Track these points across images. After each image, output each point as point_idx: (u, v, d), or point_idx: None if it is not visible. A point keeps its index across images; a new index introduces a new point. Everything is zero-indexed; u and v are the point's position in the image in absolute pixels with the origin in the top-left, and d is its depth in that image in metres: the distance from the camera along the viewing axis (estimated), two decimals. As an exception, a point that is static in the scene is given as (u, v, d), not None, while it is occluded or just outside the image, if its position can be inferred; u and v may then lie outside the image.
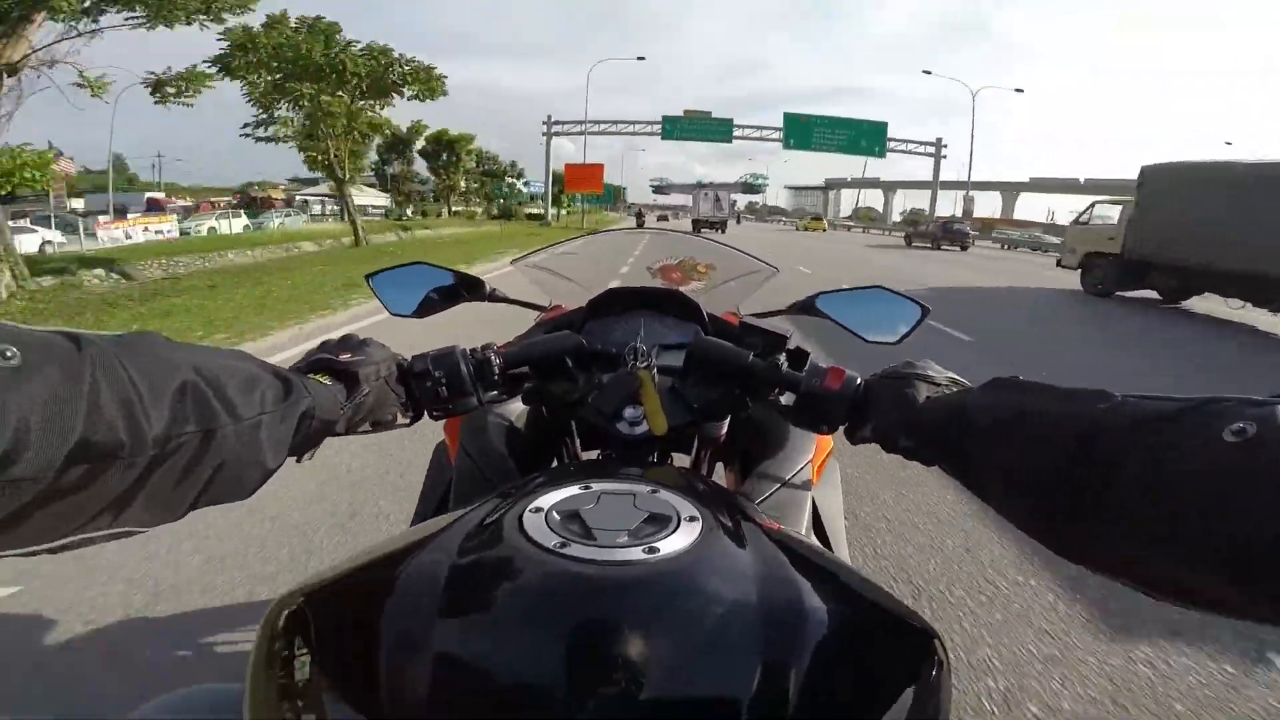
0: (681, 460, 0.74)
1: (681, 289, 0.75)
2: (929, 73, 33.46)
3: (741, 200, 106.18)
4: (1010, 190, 72.21)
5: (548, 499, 0.39)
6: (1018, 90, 35.78)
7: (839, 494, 0.80)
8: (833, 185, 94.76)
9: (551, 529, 0.36)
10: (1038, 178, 70.79)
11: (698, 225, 24.33)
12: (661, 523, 0.37)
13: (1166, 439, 0.29)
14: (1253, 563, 0.25)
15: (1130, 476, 0.30)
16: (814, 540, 0.67)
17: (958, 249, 20.85)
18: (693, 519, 0.37)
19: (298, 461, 0.44)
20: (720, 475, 0.79)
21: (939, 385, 0.49)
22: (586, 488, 0.41)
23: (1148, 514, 0.29)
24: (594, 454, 0.69)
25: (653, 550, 0.34)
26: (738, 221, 43.15)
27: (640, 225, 23.83)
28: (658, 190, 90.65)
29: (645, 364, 0.61)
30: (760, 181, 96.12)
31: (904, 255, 18.06)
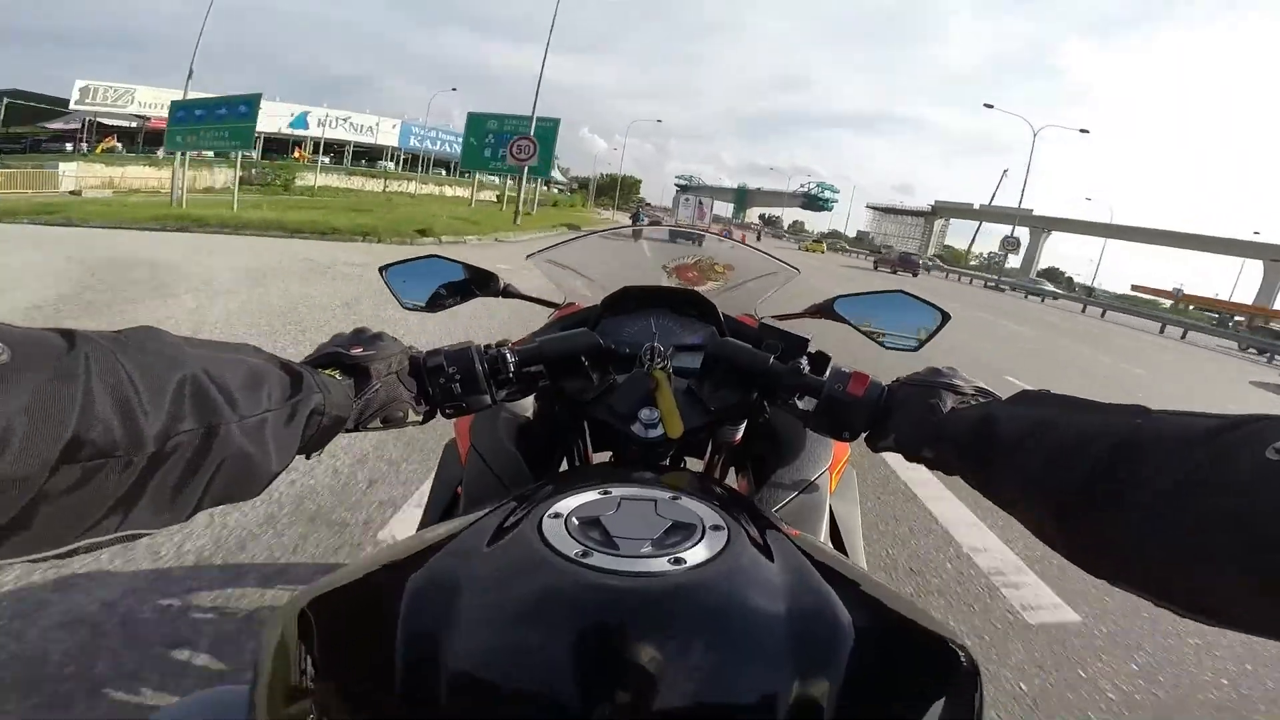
0: (693, 463, 0.75)
1: (698, 289, 0.77)
2: (990, 106, 31.62)
3: (806, 217, 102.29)
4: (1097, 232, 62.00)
5: (566, 504, 0.40)
6: (1083, 131, 33.96)
7: (857, 502, 0.80)
8: (943, 212, 72.56)
9: (572, 536, 0.37)
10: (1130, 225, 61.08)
11: (675, 235, 24.84)
12: (685, 531, 0.38)
13: (1205, 455, 0.30)
14: None
15: (1164, 492, 0.30)
16: (832, 548, 0.67)
17: (909, 274, 28.69)
18: (717, 528, 0.38)
19: (307, 458, 0.45)
20: (733, 479, 0.79)
21: (965, 395, 0.50)
22: (606, 493, 0.42)
23: (1182, 531, 0.29)
24: (605, 455, 0.71)
25: (678, 561, 0.35)
26: (758, 238, 42.60)
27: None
28: (684, 190, 76.87)
29: (661, 364, 0.62)
30: (827, 195, 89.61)
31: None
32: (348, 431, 0.48)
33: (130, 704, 1.14)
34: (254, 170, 28.48)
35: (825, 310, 0.76)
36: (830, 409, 0.54)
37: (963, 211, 71.79)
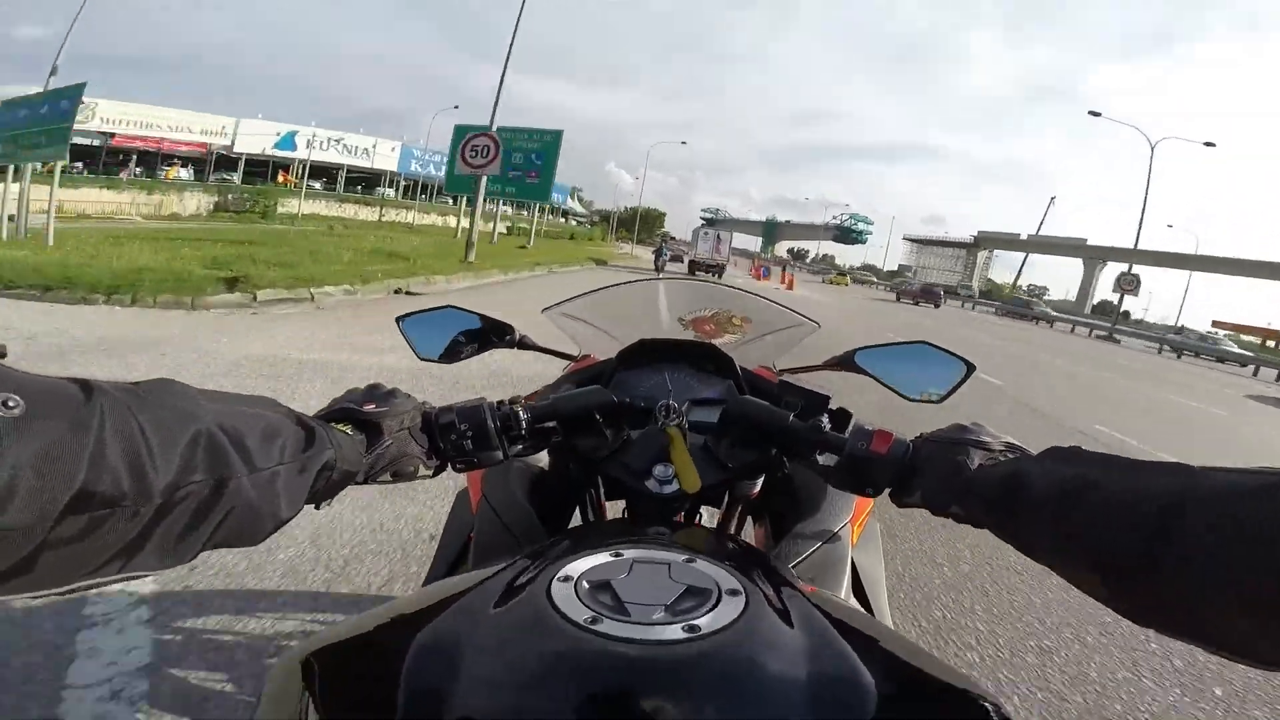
0: (709, 512, 0.79)
1: (714, 341, 0.82)
2: (1097, 114, 30.83)
3: (838, 250, 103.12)
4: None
5: (576, 566, 0.42)
6: (1208, 144, 31.56)
7: (880, 554, 0.84)
8: (986, 243, 74.66)
9: (582, 601, 0.38)
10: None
11: (694, 267, 24.97)
12: (701, 596, 0.39)
13: (1257, 510, 0.32)
14: None
15: (1216, 549, 0.33)
16: (853, 603, 0.70)
17: (931, 305, 32.08)
18: (734, 592, 0.40)
19: (316, 508, 0.49)
20: (749, 530, 0.83)
21: (993, 451, 0.52)
22: (618, 555, 0.44)
23: (1240, 585, 0.32)
24: (619, 504, 0.75)
25: (693, 629, 0.36)
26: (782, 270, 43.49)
27: (658, 267, 20.72)
28: (709, 223, 79.78)
29: (676, 421, 0.67)
30: (861, 227, 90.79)
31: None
32: (357, 484, 0.52)
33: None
34: (230, 196, 28.42)
35: (846, 362, 0.82)
36: (853, 466, 0.57)
37: (1008, 242, 71.60)
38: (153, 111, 35.71)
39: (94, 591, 1.61)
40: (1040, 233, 69.22)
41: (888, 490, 0.58)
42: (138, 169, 35.12)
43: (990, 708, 0.37)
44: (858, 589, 0.76)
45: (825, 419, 0.61)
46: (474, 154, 13.31)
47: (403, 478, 0.57)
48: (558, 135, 19.35)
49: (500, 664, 0.35)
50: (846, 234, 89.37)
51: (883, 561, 0.85)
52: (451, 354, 0.87)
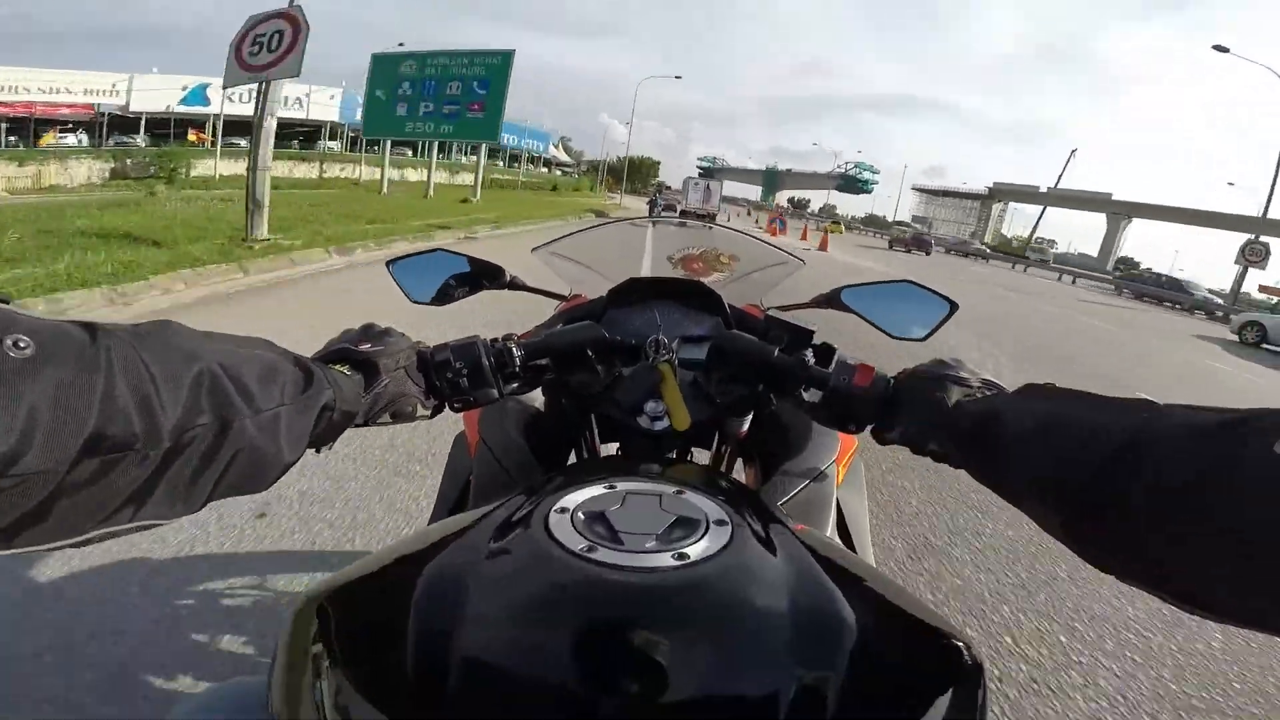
0: (700, 455, 0.87)
1: (703, 279, 0.90)
2: (1224, 49, 26.01)
3: (842, 201, 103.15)
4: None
5: (572, 499, 0.47)
6: None
7: (864, 493, 0.93)
8: (1002, 195, 75.36)
9: (578, 531, 0.43)
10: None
11: (685, 215, 25.77)
12: (689, 527, 0.45)
13: (1213, 450, 0.34)
14: None
15: (1171, 490, 0.35)
16: (838, 541, 0.79)
17: (923, 254, 35.20)
18: (721, 523, 0.45)
19: (316, 452, 0.52)
20: (740, 471, 0.91)
21: (971, 388, 0.58)
22: (611, 487, 0.50)
23: (1190, 527, 0.33)
24: (613, 446, 0.83)
25: (682, 556, 0.41)
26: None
27: (652, 214, 19.07)
28: (705, 174, 79.68)
29: (667, 357, 0.74)
30: (866, 176, 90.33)
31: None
32: (357, 426, 0.57)
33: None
34: (130, 161, 26.45)
35: (832, 300, 0.90)
36: (836, 401, 0.64)
37: (1027, 195, 71.22)
38: (19, 74, 33.54)
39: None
40: (1059, 186, 68.79)
41: (870, 428, 0.64)
42: (10, 138, 33.22)
43: (963, 646, 0.42)
44: (842, 529, 0.84)
45: (810, 354, 0.68)
46: (256, 48, 7.35)
47: (402, 418, 0.62)
48: (507, 57, 16.29)
49: (502, 594, 0.40)
50: (852, 183, 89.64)
51: (866, 501, 0.94)
52: (443, 297, 0.94)
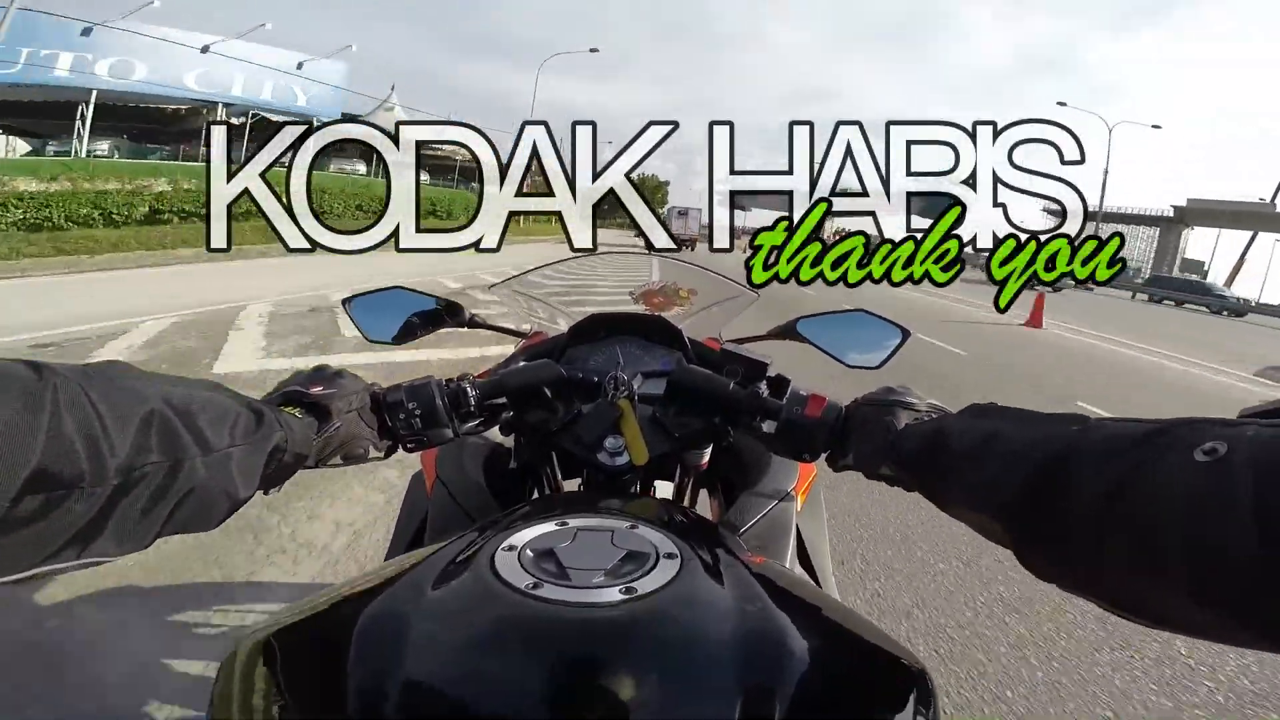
0: (664, 487, 0.88)
1: (664, 314, 0.91)
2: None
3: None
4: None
5: (521, 537, 0.48)
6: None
7: (824, 520, 0.94)
8: (1196, 214, 44.79)
9: (524, 568, 0.44)
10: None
11: (679, 243, 25.42)
12: (639, 561, 0.45)
13: (1136, 459, 0.35)
14: (1221, 583, 0.29)
15: (1098, 497, 0.36)
16: (798, 569, 0.80)
17: None
18: (671, 556, 0.46)
19: (265, 493, 0.53)
20: (703, 501, 0.92)
21: (918, 412, 0.60)
22: (563, 524, 0.50)
23: (1115, 534, 0.35)
24: (575, 482, 0.83)
25: (630, 590, 0.41)
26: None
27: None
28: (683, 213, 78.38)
29: (626, 393, 0.75)
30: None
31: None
32: (308, 468, 0.58)
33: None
34: None
35: (788, 331, 0.92)
36: (789, 432, 0.66)
37: (1229, 215, 44.97)
38: None
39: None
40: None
41: (824, 456, 0.66)
42: None
43: (916, 673, 0.43)
44: (803, 556, 0.85)
45: (764, 386, 0.69)
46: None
47: (354, 460, 0.63)
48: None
49: (445, 633, 0.40)
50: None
51: (826, 529, 0.95)
52: (405, 335, 0.95)
